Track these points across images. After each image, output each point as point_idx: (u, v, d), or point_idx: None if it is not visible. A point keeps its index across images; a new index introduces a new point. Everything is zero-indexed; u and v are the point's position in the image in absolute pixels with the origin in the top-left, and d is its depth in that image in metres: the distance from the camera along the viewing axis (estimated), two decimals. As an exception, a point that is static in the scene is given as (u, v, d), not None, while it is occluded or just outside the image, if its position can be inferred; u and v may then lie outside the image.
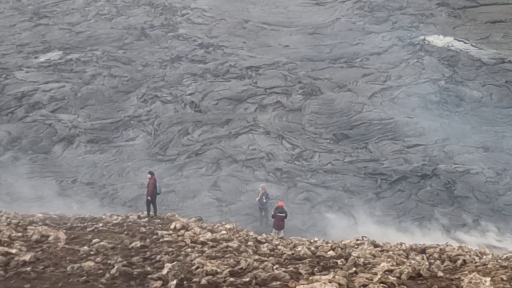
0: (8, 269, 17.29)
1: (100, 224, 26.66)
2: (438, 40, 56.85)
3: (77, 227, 25.61)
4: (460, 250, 25.17)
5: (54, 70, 56.08)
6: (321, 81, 52.68)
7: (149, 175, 33.10)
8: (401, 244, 27.72)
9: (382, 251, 23.42)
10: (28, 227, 23.92)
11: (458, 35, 57.76)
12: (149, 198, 31.94)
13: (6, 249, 19.07)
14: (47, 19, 65.52)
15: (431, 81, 51.43)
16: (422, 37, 57.63)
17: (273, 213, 35.93)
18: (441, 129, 46.97)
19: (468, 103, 49.63)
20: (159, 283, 15.71)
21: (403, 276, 16.97)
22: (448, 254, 23.43)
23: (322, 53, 57.09)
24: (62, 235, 22.08)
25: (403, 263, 19.94)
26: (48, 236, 21.69)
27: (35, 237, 21.55)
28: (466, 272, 17.92)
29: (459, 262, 21.21)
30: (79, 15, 65.93)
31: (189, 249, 20.93)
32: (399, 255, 22.43)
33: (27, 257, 18.27)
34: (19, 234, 22.09)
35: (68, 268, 17.45)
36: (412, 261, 20.49)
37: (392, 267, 18.00)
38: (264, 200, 38.46)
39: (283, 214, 35.64)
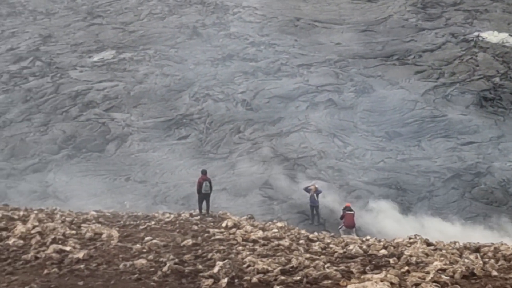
0: (62, 266, 17.52)
1: (153, 222, 26.85)
2: (493, 36, 55.95)
3: (129, 225, 25.84)
4: (515, 250, 24.72)
5: (108, 69, 56.81)
6: (373, 79, 52.29)
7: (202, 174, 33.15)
8: (454, 242, 27.32)
9: (435, 249, 23.13)
10: (82, 225, 24.21)
11: (513, 31, 56.83)
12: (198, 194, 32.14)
13: (60, 246, 19.34)
14: (100, 19, 66.43)
15: (485, 78, 50.65)
16: (476, 34, 56.81)
17: (342, 213, 35.77)
18: (496, 126, 46.23)
19: (524, 99, 48.79)
20: (210, 281, 15.75)
21: (457, 275, 16.72)
22: (502, 253, 23.01)
23: (374, 51, 56.66)
24: (115, 233, 22.29)
25: (457, 262, 19.66)
26: (101, 234, 21.93)
27: (88, 234, 21.81)
28: (522, 272, 17.61)
29: (515, 261, 20.85)
30: (132, 15, 66.70)
31: (240, 247, 20.95)
32: (452, 254, 22.10)
33: (80, 254, 18.49)
34: (73, 231, 22.37)
35: (121, 265, 17.61)
36: (466, 260, 20.19)
37: (445, 266, 17.76)
38: (316, 198, 38.32)
39: (353, 212, 35.58)
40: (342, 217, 35.70)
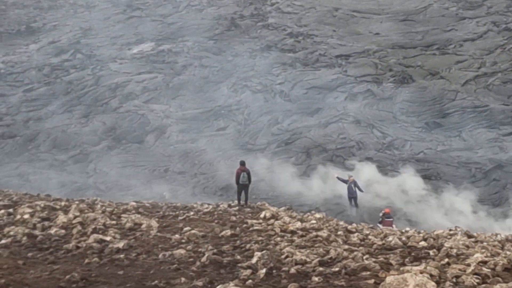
0: (102, 256, 17.69)
1: (191, 213, 26.95)
2: (535, 25, 55.10)
3: (169, 216, 25.96)
4: (559, 241, 24.39)
5: (147, 61, 57.15)
6: (413, 69, 51.84)
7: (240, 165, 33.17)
8: (496, 234, 27.04)
9: (476, 242, 22.88)
10: (122, 215, 24.40)
11: (556, 19, 55.89)
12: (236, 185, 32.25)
13: (101, 236, 19.52)
14: (139, 11, 66.80)
15: (528, 67, 49.92)
16: (518, 22, 55.99)
17: (380, 219, 35.37)
18: (538, 116, 45.57)
19: None
20: (248, 271, 15.74)
21: (498, 268, 16.50)
22: (546, 246, 22.75)
23: (414, 40, 56.13)
24: (154, 223, 22.42)
25: (498, 254, 19.41)
26: (141, 224, 22.07)
27: (128, 225, 21.96)
28: None
29: (558, 253, 20.55)
30: (170, 7, 66.95)
31: (278, 238, 20.92)
32: (493, 246, 21.84)
33: (120, 244, 18.63)
34: (113, 222, 22.55)
35: (160, 255, 17.71)
36: (508, 252, 19.91)
37: (486, 258, 17.53)
38: (354, 189, 38.13)
39: (391, 219, 35.17)
40: (380, 223, 35.07)
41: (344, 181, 38.64)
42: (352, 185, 38.15)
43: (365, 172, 40.61)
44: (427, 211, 37.76)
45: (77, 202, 27.31)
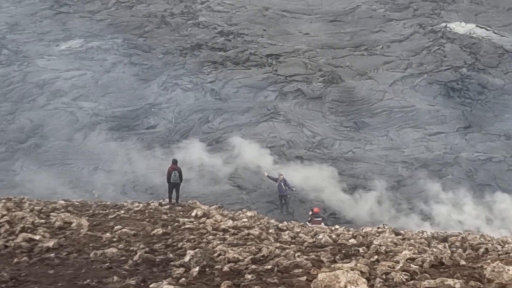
0: (32, 255, 17.43)
1: (122, 211, 26.79)
2: (460, 27, 56.46)
3: (99, 214, 25.75)
4: (482, 239, 25.07)
5: (75, 58, 56.29)
6: (342, 69, 52.53)
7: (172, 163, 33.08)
8: (422, 232, 27.66)
9: (403, 239, 23.36)
10: (51, 213, 24.09)
11: (480, 22, 57.37)
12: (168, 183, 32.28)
13: (30, 235, 19.23)
14: (67, 7, 65.67)
15: (453, 68, 51.15)
16: (443, 24, 57.28)
17: (309, 218, 35.58)
18: (463, 117, 46.78)
19: (490, 90, 49.34)
20: (181, 270, 15.74)
21: (425, 265, 16.89)
22: (470, 243, 23.33)
23: (343, 41, 56.87)
24: (84, 222, 22.21)
25: (425, 251, 19.86)
26: (71, 223, 21.83)
27: (58, 223, 21.69)
28: (489, 260, 17.80)
29: (481, 250, 21.08)
30: (99, 3, 66.04)
31: (210, 237, 20.97)
32: (420, 243, 22.34)
33: (50, 243, 18.39)
34: (42, 220, 22.25)
35: (91, 254, 17.55)
36: (434, 250, 20.39)
37: (414, 255, 17.92)
38: (284, 187, 38.43)
39: (320, 218, 35.43)
40: (309, 221, 35.07)
41: (274, 180, 38.94)
42: (282, 184, 38.44)
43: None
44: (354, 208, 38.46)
45: (4, 201, 26.81)
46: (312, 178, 40.51)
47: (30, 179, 41.87)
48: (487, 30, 55.86)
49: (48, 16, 64.24)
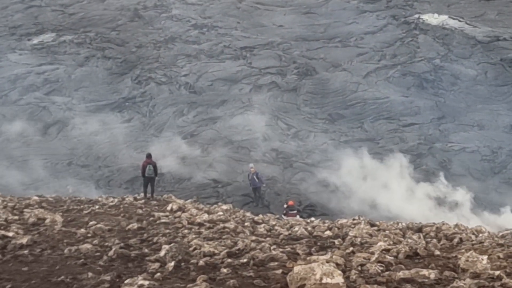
0: (5, 252, 17.23)
1: (97, 207, 26.62)
2: (433, 19, 56.68)
3: (73, 210, 25.56)
4: (456, 229, 25.20)
5: (48, 52, 55.85)
6: (316, 61, 52.60)
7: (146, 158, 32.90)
8: (397, 223, 27.78)
9: (378, 230, 23.45)
10: (24, 210, 23.88)
11: (452, 13, 57.63)
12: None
13: (2, 232, 19.01)
14: (39, 1, 65.12)
15: (426, 59, 51.37)
16: (416, 16, 57.48)
17: (284, 211, 35.53)
18: (436, 107, 47.01)
19: (463, 81, 49.60)
20: (157, 264, 15.66)
21: (400, 255, 16.97)
22: (444, 233, 23.47)
23: (317, 33, 56.93)
24: (58, 217, 22.02)
25: (400, 242, 19.95)
26: (44, 219, 21.63)
27: (31, 220, 21.49)
28: (463, 250, 17.93)
29: (456, 240, 21.25)
30: (71, -3, 65.54)
31: (186, 231, 20.90)
32: (395, 234, 22.45)
33: (24, 240, 18.20)
34: (16, 217, 22.05)
35: (66, 250, 17.40)
36: (409, 240, 20.50)
37: (389, 246, 18.00)
38: (257, 180, 38.39)
39: (295, 211, 35.42)
40: (285, 214, 34.99)
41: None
42: (255, 176, 38.42)
43: None
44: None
45: (-24, 198, 26.58)
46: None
47: (3, 175, 41.48)
48: (459, 21, 56.14)
49: (20, 10, 63.64)
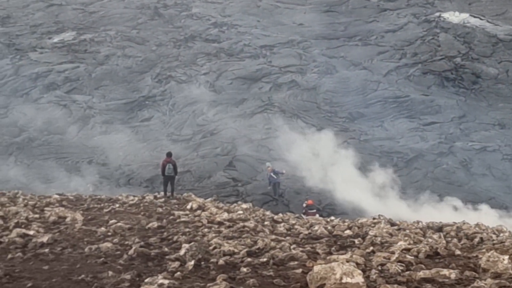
0: (26, 250, 17.31)
1: (117, 205, 26.69)
2: (454, 17, 56.38)
3: (93, 208, 25.64)
4: (477, 228, 25.06)
5: (68, 50, 56.12)
6: (336, 59, 52.46)
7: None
8: (417, 222, 27.63)
9: (399, 229, 23.34)
10: (45, 208, 23.97)
11: (473, 12, 57.29)
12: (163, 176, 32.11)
13: (23, 230, 19.09)
14: None
15: (447, 58, 51.07)
16: (437, 14, 57.21)
17: (303, 211, 35.43)
18: (457, 106, 46.75)
19: (484, 80, 49.29)
20: (177, 263, 15.66)
21: (421, 255, 16.87)
22: (465, 232, 23.33)
23: (337, 31, 56.78)
24: (79, 216, 22.09)
25: (420, 241, 19.84)
26: (65, 218, 21.71)
27: (52, 218, 21.57)
28: (484, 250, 17.80)
29: (476, 240, 21.11)
30: (92, -5, 65.86)
31: (206, 230, 20.88)
32: (416, 233, 22.32)
33: (44, 238, 18.27)
34: (36, 215, 22.14)
35: (86, 249, 17.44)
36: (429, 240, 20.38)
37: (410, 246, 17.90)
38: (275, 177, 38.36)
39: (314, 210, 35.33)
40: (304, 214, 34.73)
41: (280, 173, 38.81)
42: (272, 174, 38.39)
43: None
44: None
45: (-3, 196, 26.73)
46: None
47: (24, 173, 41.72)
48: (481, 19, 55.81)
49: (41, 9, 64.02)
